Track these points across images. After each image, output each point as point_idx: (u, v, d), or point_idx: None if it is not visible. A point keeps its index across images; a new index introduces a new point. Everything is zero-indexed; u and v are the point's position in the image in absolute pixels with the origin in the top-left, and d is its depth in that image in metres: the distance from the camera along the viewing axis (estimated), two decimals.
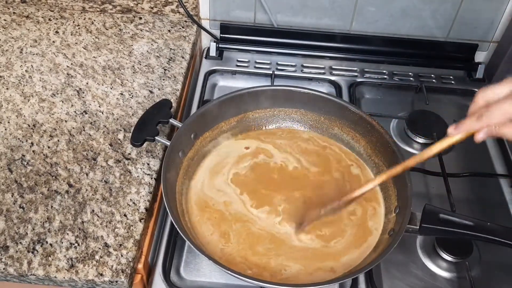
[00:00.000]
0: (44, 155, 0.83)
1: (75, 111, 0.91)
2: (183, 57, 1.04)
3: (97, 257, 0.71)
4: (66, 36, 1.07)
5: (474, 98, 0.61)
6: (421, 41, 1.12)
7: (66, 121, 0.89)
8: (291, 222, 0.77)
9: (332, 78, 1.08)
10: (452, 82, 1.09)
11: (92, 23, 1.11)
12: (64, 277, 0.69)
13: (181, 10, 1.12)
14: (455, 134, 0.61)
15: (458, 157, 0.95)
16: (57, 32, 1.08)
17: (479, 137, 0.59)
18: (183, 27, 1.11)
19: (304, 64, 1.10)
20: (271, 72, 1.06)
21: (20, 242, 0.72)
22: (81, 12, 1.13)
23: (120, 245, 0.73)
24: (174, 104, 0.93)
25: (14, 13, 1.12)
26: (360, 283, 0.75)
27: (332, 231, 0.77)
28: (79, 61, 1.01)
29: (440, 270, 0.78)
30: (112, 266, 0.70)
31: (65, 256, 0.71)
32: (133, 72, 0.99)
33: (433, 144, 0.65)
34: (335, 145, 0.89)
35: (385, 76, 1.10)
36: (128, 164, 0.83)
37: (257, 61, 1.11)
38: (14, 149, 0.84)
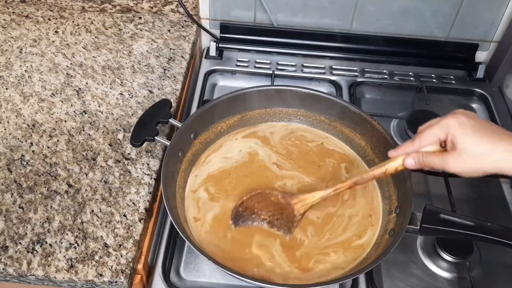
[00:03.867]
0: (43, 155, 0.83)
1: (74, 111, 0.91)
2: (183, 57, 1.04)
3: (96, 257, 0.71)
4: (65, 36, 1.07)
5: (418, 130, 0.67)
6: (422, 41, 1.12)
7: (65, 121, 0.89)
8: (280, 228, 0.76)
9: (333, 78, 1.08)
10: (453, 82, 1.09)
11: (92, 23, 1.10)
12: (63, 278, 0.69)
13: (181, 9, 1.12)
14: (395, 156, 0.67)
15: None
16: (56, 32, 1.08)
17: (407, 162, 0.65)
18: (183, 27, 1.11)
19: (304, 64, 1.10)
20: (271, 72, 1.06)
21: (20, 243, 0.72)
22: (81, 12, 1.13)
23: (120, 245, 0.72)
24: (174, 104, 0.93)
25: (13, 12, 1.12)
26: (360, 283, 0.75)
27: (331, 231, 0.77)
28: (78, 61, 1.01)
29: (440, 270, 0.78)
30: (111, 266, 0.70)
31: (64, 256, 0.71)
32: (133, 72, 0.99)
33: (376, 166, 0.69)
34: (334, 145, 0.89)
35: (386, 76, 1.09)
36: (127, 164, 0.83)
37: (257, 61, 1.11)
38: (14, 149, 0.84)
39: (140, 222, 0.75)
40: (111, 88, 0.96)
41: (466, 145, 0.60)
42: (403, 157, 0.66)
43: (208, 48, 1.11)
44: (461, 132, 0.61)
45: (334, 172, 0.85)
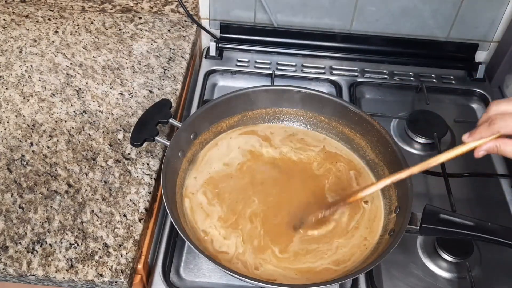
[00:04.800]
0: (43, 155, 0.83)
1: (74, 111, 0.91)
2: (183, 57, 1.04)
3: (96, 257, 0.71)
4: (65, 36, 1.07)
5: (487, 108, 0.61)
6: (422, 40, 1.12)
7: (65, 121, 0.89)
8: (290, 221, 0.77)
9: (332, 78, 1.08)
10: (453, 82, 1.09)
11: (92, 23, 1.10)
12: (63, 278, 0.69)
13: (181, 9, 1.12)
14: (470, 141, 0.61)
15: (459, 157, 0.95)
16: (56, 31, 1.08)
17: (479, 153, 0.61)
18: (182, 27, 1.11)
19: (304, 64, 1.10)
20: (271, 72, 1.06)
21: (20, 243, 0.72)
22: (81, 12, 1.13)
23: (120, 245, 0.72)
24: (174, 104, 0.93)
25: (13, 12, 1.12)
26: (360, 283, 0.75)
27: (332, 231, 0.77)
28: (78, 61, 1.01)
29: (440, 271, 0.78)
30: (111, 266, 0.70)
31: (64, 256, 0.71)
32: (133, 72, 0.99)
33: (440, 153, 0.66)
34: (335, 147, 0.89)
35: (386, 76, 1.09)
36: (127, 164, 0.83)
37: (257, 61, 1.10)
38: (14, 149, 0.84)
39: (140, 222, 0.75)
40: (111, 88, 0.96)
41: None
42: (477, 146, 0.61)
43: (208, 48, 1.11)
44: None
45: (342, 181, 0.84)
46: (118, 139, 0.87)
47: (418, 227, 0.69)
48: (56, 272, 0.69)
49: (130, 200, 0.78)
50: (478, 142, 0.61)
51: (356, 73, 1.09)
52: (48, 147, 0.84)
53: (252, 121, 0.90)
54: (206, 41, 1.18)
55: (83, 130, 0.88)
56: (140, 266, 0.74)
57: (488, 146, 0.60)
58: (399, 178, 0.69)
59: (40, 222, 0.74)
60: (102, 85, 0.96)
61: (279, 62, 1.10)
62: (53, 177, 0.80)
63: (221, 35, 1.12)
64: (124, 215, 0.76)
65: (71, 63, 1.00)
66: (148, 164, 0.83)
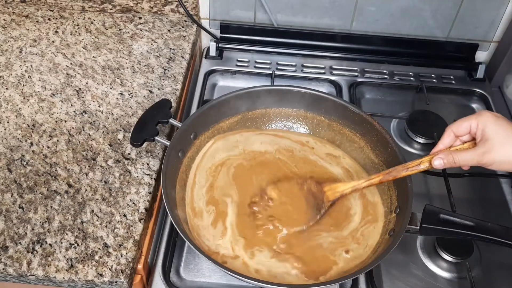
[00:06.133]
0: (43, 155, 0.83)
1: (74, 111, 0.91)
2: (183, 57, 1.04)
3: (96, 257, 0.71)
4: (65, 36, 1.07)
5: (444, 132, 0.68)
6: (422, 40, 1.12)
7: (65, 121, 0.89)
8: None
9: (332, 78, 1.08)
10: (453, 82, 1.09)
11: (92, 23, 1.10)
12: (63, 278, 0.69)
13: (181, 9, 1.12)
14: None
15: None
16: (56, 32, 1.08)
17: (435, 163, 0.67)
18: (183, 27, 1.11)
19: (304, 64, 1.10)
20: (271, 72, 1.06)
21: (20, 243, 0.72)
22: (81, 12, 1.13)
23: (120, 245, 0.72)
24: (174, 104, 0.93)
25: (13, 12, 1.12)
26: (360, 283, 0.75)
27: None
28: (78, 61, 1.01)
29: (440, 271, 0.78)
30: (111, 266, 0.70)
31: (64, 256, 0.71)
32: (133, 72, 0.99)
33: (411, 162, 0.71)
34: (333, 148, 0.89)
35: (386, 76, 1.09)
36: (127, 164, 0.83)
37: (257, 61, 1.10)
38: (14, 149, 0.84)
39: (140, 222, 0.75)
40: (111, 88, 0.96)
41: (498, 133, 0.59)
42: (431, 158, 0.66)
43: (208, 48, 1.11)
44: (493, 122, 0.60)
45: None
46: (118, 139, 0.87)
47: (418, 227, 0.69)
48: (56, 272, 0.69)
49: (130, 200, 0.78)
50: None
51: (356, 73, 1.09)
52: (48, 147, 0.85)
53: (251, 121, 0.90)
54: (206, 41, 1.18)
55: (83, 130, 0.88)
56: (140, 266, 0.74)
57: (442, 156, 0.65)
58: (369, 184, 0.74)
59: (40, 222, 0.74)
60: (102, 85, 0.96)
61: (279, 62, 1.10)
62: (53, 177, 0.80)
63: (221, 35, 1.12)
64: (124, 215, 0.76)
65: (71, 63, 1.00)
66: (148, 164, 0.83)
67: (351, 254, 0.73)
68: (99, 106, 0.92)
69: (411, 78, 1.09)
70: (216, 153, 0.86)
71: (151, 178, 0.81)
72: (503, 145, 0.59)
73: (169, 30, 1.10)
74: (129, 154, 0.85)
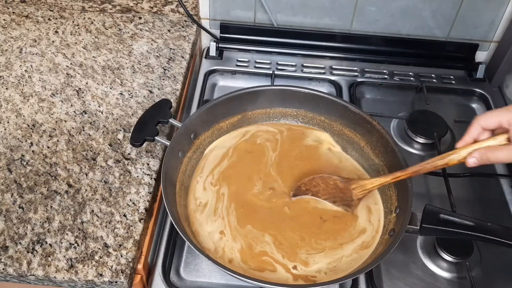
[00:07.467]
0: (43, 155, 0.83)
1: (74, 111, 0.91)
2: (183, 57, 1.04)
3: (96, 257, 0.71)
4: (65, 36, 1.07)
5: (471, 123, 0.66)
6: (422, 40, 1.12)
7: (65, 121, 0.89)
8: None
9: (332, 78, 1.08)
10: (453, 82, 1.09)
11: (92, 23, 1.10)
12: (63, 278, 0.69)
13: (181, 9, 1.12)
14: (461, 147, 0.67)
15: None
16: (56, 32, 1.08)
17: (469, 162, 0.65)
18: (183, 27, 1.11)
19: (304, 64, 1.10)
20: (271, 72, 1.06)
21: (20, 243, 0.72)
22: (81, 12, 1.13)
23: (120, 245, 0.72)
24: (174, 104, 0.93)
25: (13, 12, 1.12)
26: (360, 283, 0.75)
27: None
28: (78, 61, 1.01)
29: (440, 271, 0.78)
30: (111, 266, 0.70)
31: (64, 256, 0.71)
32: (133, 72, 0.99)
33: (438, 156, 0.69)
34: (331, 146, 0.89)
35: (386, 76, 1.09)
36: (127, 164, 0.83)
37: (257, 61, 1.10)
38: (14, 149, 0.84)
39: (140, 222, 0.75)
40: (111, 88, 0.96)
41: None
42: (467, 152, 0.65)
43: (208, 48, 1.11)
44: None
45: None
46: (118, 139, 0.87)
47: (418, 227, 0.69)
48: (56, 272, 0.69)
49: (130, 200, 0.78)
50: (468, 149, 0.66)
51: (356, 73, 1.09)
52: (48, 147, 0.85)
53: (252, 121, 0.90)
54: (206, 41, 1.18)
55: (83, 130, 0.88)
56: (140, 266, 0.74)
57: (476, 155, 0.64)
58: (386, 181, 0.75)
59: (40, 222, 0.74)
60: (102, 85, 0.96)
61: (279, 62, 1.10)
62: (53, 177, 0.80)
63: (221, 35, 1.12)
64: (124, 215, 0.76)
65: (71, 63, 1.00)
66: (148, 164, 0.83)
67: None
68: (99, 106, 0.92)
69: (411, 78, 1.09)
70: (218, 153, 0.86)
71: (151, 178, 0.81)
72: None
73: (169, 30, 1.10)
74: (129, 154, 0.85)
